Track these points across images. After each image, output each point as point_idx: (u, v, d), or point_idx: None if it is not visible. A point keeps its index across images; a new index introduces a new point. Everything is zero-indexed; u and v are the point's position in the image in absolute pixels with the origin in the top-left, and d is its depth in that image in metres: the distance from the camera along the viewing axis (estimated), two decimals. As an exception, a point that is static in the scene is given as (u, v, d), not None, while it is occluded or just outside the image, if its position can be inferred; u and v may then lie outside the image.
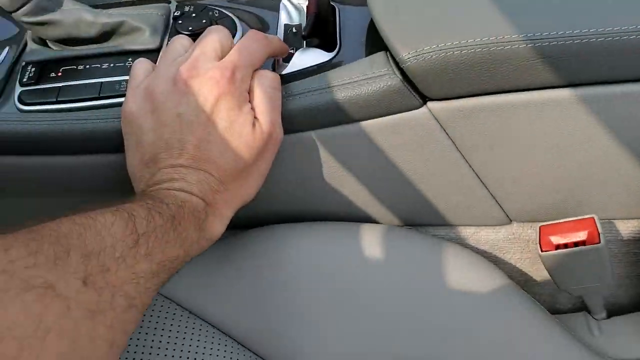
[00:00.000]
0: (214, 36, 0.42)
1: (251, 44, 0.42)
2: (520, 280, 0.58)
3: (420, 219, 0.53)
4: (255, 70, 0.43)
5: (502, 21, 0.41)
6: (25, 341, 0.25)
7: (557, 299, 0.59)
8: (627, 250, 0.54)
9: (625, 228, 0.53)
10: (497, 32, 0.40)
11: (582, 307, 0.59)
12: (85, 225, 0.31)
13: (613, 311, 0.57)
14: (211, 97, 0.40)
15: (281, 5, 0.52)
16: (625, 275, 0.56)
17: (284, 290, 0.49)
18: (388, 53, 0.44)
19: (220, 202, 0.41)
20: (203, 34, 0.43)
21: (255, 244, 0.51)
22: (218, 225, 0.41)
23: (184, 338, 0.46)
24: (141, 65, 0.44)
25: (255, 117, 0.41)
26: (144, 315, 0.47)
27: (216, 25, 0.45)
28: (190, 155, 0.40)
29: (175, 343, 0.45)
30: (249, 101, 0.42)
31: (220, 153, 0.40)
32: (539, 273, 0.57)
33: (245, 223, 0.53)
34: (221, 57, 0.42)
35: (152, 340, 0.45)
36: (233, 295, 0.49)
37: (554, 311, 0.60)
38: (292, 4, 0.52)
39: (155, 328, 0.46)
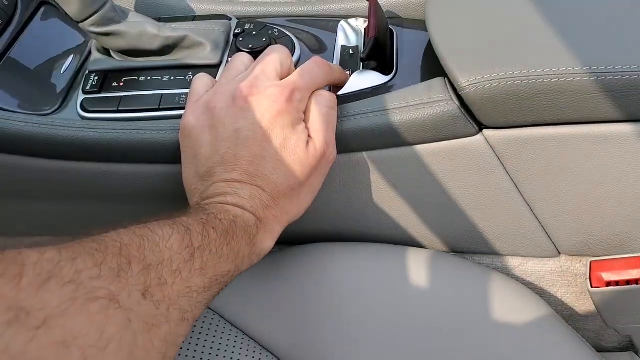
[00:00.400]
0: (275, 55, 0.43)
1: (314, 68, 0.43)
2: (565, 314, 0.56)
3: (467, 246, 0.52)
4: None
5: (565, 51, 0.40)
6: (88, 351, 0.25)
7: (603, 336, 0.57)
8: (680, 291, 0.53)
9: (679, 268, 0.51)
10: (559, 63, 0.40)
11: (628, 346, 0.57)
12: (144, 237, 0.32)
13: (661, 353, 0.55)
14: (268, 114, 0.40)
15: (339, 26, 0.52)
16: (676, 317, 0.55)
17: (326, 309, 0.49)
18: (446, 79, 0.44)
19: (271, 218, 0.41)
20: (264, 52, 0.44)
21: (301, 261, 0.51)
22: (268, 241, 0.41)
23: (226, 351, 0.46)
24: (202, 80, 0.45)
25: (309, 136, 0.42)
26: (189, 325, 0.47)
27: (277, 45, 0.45)
28: (244, 170, 0.40)
29: (217, 355, 0.46)
30: (304, 120, 0.42)
31: (274, 169, 0.40)
32: (585, 308, 0.55)
33: (291, 239, 0.53)
34: (281, 77, 0.42)
35: (195, 351, 0.46)
36: (275, 311, 0.49)
37: (600, 349, 0.58)
38: (350, 25, 0.52)
39: (199, 339, 0.46)
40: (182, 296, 0.32)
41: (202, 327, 0.47)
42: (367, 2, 0.49)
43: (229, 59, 0.49)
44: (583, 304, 0.55)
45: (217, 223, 0.36)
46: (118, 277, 0.28)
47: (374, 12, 0.47)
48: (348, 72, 0.48)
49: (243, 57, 0.45)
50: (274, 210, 0.41)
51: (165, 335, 0.30)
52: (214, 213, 0.38)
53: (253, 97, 0.41)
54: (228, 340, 0.47)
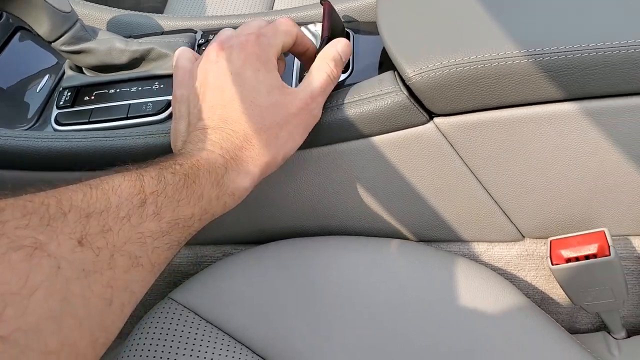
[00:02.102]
0: (253, 23, 0.46)
1: (284, 21, 0.46)
2: (537, 298, 0.58)
3: (433, 234, 0.54)
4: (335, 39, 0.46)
5: (504, 37, 0.43)
6: (9, 298, 0.25)
7: (576, 318, 0.58)
8: (644, 267, 0.54)
9: (641, 245, 0.53)
10: (498, 48, 0.42)
11: (601, 326, 0.58)
12: (92, 186, 0.32)
13: (633, 331, 0.56)
14: (238, 60, 0.42)
15: (299, 32, 0.55)
16: (644, 294, 0.56)
17: (298, 301, 0.50)
18: (395, 72, 0.47)
19: (245, 158, 0.41)
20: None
21: (272, 257, 0.53)
22: (242, 181, 0.41)
23: (201, 346, 0.48)
24: (184, 53, 0.47)
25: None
26: (162, 322, 0.49)
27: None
28: (217, 116, 0.41)
29: (192, 350, 0.47)
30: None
31: (246, 111, 0.41)
32: (556, 291, 0.57)
33: (262, 238, 0.55)
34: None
35: (171, 347, 0.47)
36: (249, 306, 0.51)
37: (573, 331, 0.59)
38: (309, 30, 0.55)
39: (174, 336, 0.48)
40: (130, 242, 0.32)
41: (177, 325, 0.49)
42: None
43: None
44: (553, 287, 0.56)
45: (176, 167, 0.37)
46: (48, 226, 0.28)
47: (328, 15, 0.50)
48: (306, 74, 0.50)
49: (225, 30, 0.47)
50: (249, 152, 0.41)
51: (108, 281, 0.30)
52: (174, 158, 0.38)
53: (224, 50, 0.43)
54: (203, 336, 0.49)
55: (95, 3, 0.62)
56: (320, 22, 0.56)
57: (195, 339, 0.48)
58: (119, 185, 0.33)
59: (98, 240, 0.30)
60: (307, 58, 0.49)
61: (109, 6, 0.62)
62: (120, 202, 0.32)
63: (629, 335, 0.55)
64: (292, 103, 0.43)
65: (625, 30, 0.41)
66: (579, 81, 0.43)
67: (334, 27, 0.50)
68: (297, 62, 0.53)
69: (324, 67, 0.45)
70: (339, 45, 0.46)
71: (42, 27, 0.49)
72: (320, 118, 0.46)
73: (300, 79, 0.51)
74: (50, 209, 0.29)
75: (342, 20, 0.55)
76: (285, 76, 0.52)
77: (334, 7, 0.52)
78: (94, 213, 0.31)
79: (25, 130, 0.51)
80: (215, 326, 0.50)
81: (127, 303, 0.32)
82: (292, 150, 0.44)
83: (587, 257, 0.48)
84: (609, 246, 0.47)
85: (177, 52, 0.48)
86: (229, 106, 0.41)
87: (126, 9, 0.61)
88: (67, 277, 0.28)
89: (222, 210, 0.40)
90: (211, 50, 0.44)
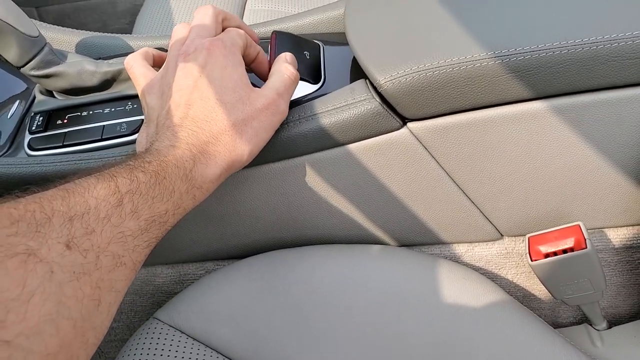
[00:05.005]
0: (204, 13, 0.47)
1: (237, 29, 0.47)
2: (519, 295, 0.58)
3: (414, 238, 0.55)
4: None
5: (471, 41, 0.44)
6: (10, 304, 0.27)
7: (558, 312, 0.59)
8: (620, 258, 0.55)
9: (616, 236, 0.54)
10: (465, 51, 0.43)
11: (583, 319, 0.59)
12: (68, 190, 0.33)
13: (614, 321, 0.57)
14: (202, 59, 0.43)
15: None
16: (621, 284, 0.57)
17: (283, 312, 0.50)
18: (367, 80, 0.47)
19: (212, 152, 0.41)
20: (196, 12, 0.48)
21: (255, 271, 0.53)
22: (209, 174, 0.41)
23: (189, 364, 0.48)
24: (136, 59, 0.47)
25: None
26: (148, 343, 0.48)
27: (203, 6, 0.48)
28: (183, 114, 0.42)
29: (180, 368, 0.47)
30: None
31: (212, 107, 0.42)
32: (537, 287, 0.58)
33: (244, 253, 0.55)
34: (216, 29, 0.46)
35: (158, 367, 0.47)
36: (234, 320, 0.51)
37: (556, 325, 0.60)
38: None
39: (161, 355, 0.48)
40: (113, 242, 0.33)
41: (163, 345, 0.49)
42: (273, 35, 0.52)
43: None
44: (534, 283, 0.57)
45: (145, 165, 0.37)
46: (37, 232, 0.29)
47: (274, 47, 0.50)
48: None
49: (179, 27, 0.48)
50: (216, 146, 0.42)
51: (96, 282, 0.31)
52: (142, 156, 0.39)
53: (190, 54, 0.44)
54: (190, 354, 0.48)
55: (62, 26, 0.62)
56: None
57: (182, 357, 0.48)
58: (94, 187, 0.34)
59: (84, 243, 0.31)
60: (257, 66, 0.49)
61: (76, 29, 0.62)
62: (99, 204, 0.33)
63: (610, 326, 0.56)
64: (257, 100, 0.43)
65: (587, 27, 0.43)
66: (546, 79, 0.44)
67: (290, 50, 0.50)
68: None
69: (283, 69, 0.46)
70: (287, 56, 0.48)
71: (10, 52, 0.48)
72: (297, 128, 0.47)
73: None
74: (36, 215, 0.30)
75: (312, 32, 0.56)
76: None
77: (303, 20, 0.52)
78: (76, 216, 0.31)
79: (-2, 157, 0.51)
80: (202, 343, 0.49)
81: (113, 302, 0.33)
82: (259, 146, 0.44)
83: (564, 251, 0.49)
84: (584, 239, 0.48)
85: (126, 60, 0.48)
86: (195, 104, 0.42)
87: (93, 31, 0.61)
88: (60, 280, 0.29)
89: (192, 204, 0.41)
90: (175, 56, 0.45)
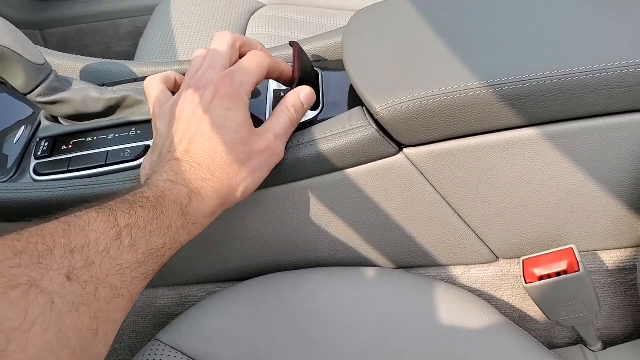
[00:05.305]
0: (220, 44, 0.48)
1: (256, 54, 0.48)
2: (515, 317, 0.59)
3: (411, 260, 0.56)
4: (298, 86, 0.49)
5: (464, 70, 0.45)
6: (12, 334, 0.27)
7: (554, 333, 0.60)
8: (613, 280, 0.56)
9: (609, 258, 0.55)
10: (459, 80, 0.45)
11: (578, 340, 0.60)
12: (69, 223, 0.34)
13: (609, 342, 0.58)
14: (209, 96, 0.44)
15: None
16: (615, 306, 0.58)
17: (283, 335, 0.51)
18: (364, 108, 0.49)
19: (208, 189, 0.43)
20: (213, 39, 0.49)
21: (255, 293, 0.53)
22: (204, 210, 0.43)
23: (190, 386, 0.48)
24: (156, 85, 0.49)
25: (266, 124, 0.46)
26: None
27: (220, 33, 0.50)
28: (184, 149, 0.43)
29: (181, 390, 0.48)
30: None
31: (212, 146, 0.43)
32: (532, 309, 0.58)
33: (244, 275, 0.56)
34: (231, 60, 0.48)
35: (160, 389, 0.47)
36: (235, 341, 0.51)
37: (552, 346, 0.61)
38: None
39: (162, 377, 0.48)
40: (112, 274, 0.34)
41: (165, 366, 0.49)
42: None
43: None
44: (529, 305, 0.58)
45: (143, 200, 0.39)
46: (39, 264, 0.30)
47: (298, 55, 0.52)
48: None
49: (198, 53, 0.49)
50: (212, 183, 0.43)
51: (95, 313, 0.32)
52: (141, 191, 0.40)
53: (199, 89, 0.45)
54: (191, 375, 0.49)
55: (67, 52, 0.64)
56: (290, 62, 0.58)
57: (183, 379, 0.48)
58: (94, 221, 0.35)
59: (84, 274, 0.32)
60: (283, 80, 0.51)
61: (80, 53, 0.63)
62: (98, 237, 0.34)
63: (605, 347, 0.57)
64: (256, 142, 0.45)
65: (576, 57, 0.44)
66: (537, 107, 0.45)
67: (304, 67, 0.52)
68: (270, 90, 0.55)
69: (286, 112, 0.47)
70: (302, 94, 0.48)
71: (17, 80, 0.50)
72: (296, 154, 0.48)
73: (275, 105, 0.53)
74: (38, 247, 0.31)
75: (311, 59, 0.58)
76: (259, 103, 0.54)
77: (302, 47, 0.54)
78: (76, 248, 0.33)
79: (4, 182, 0.52)
80: (203, 365, 0.50)
81: (110, 333, 0.34)
82: (253, 185, 0.46)
83: (558, 273, 0.50)
84: (577, 262, 0.49)
85: (146, 81, 0.50)
86: (197, 140, 0.43)
87: (97, 54, 0.63)
88: (60, 310, 0.30)
89: (188, 238, 0.42)
90: (187, 88, 0.46)
